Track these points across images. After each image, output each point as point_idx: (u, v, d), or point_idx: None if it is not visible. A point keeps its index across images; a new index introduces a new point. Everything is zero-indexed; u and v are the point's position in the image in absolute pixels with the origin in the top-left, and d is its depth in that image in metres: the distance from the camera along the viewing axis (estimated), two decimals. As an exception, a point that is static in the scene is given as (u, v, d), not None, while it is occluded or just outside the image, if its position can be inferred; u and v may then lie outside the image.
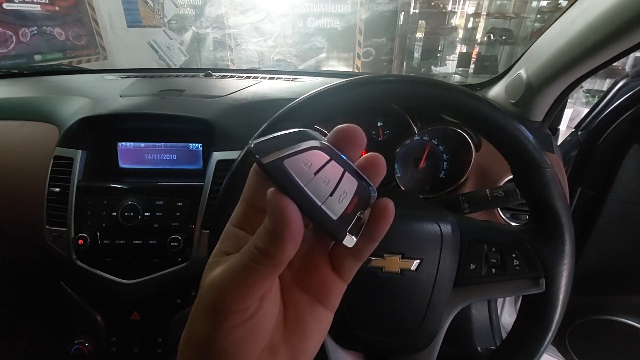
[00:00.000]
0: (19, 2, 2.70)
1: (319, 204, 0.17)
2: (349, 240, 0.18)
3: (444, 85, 0.39)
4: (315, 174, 0.17)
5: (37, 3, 2.82)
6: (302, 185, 0.16)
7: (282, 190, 0.16)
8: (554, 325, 0.37)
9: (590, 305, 0.79)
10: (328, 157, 0.18)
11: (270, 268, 0.16)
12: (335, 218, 0.17)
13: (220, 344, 0.17)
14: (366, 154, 0.20)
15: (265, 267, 0.16)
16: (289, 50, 3.65)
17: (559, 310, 0.37)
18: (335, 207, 0.17)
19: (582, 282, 0.70)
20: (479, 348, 0.83)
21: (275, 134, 0.18)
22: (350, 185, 0.18)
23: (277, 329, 0.19)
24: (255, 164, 0.18)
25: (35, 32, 2.84)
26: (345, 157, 0.18)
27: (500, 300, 0.92)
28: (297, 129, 0.18)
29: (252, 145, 0.17)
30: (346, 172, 0.18)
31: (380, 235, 0.19)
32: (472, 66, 3.67)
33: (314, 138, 0.18)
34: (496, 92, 0.73)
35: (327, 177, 0.17)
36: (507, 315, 0.93)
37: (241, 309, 0.17)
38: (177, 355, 0.19)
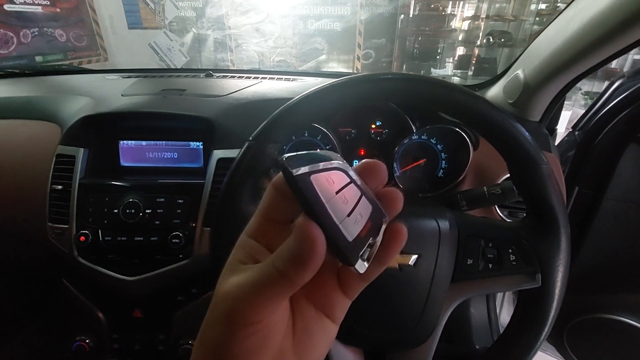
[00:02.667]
0: (20, 4, 2.71)
1: (338, 223, 0.17)
2: (361, 266, 0.18)
3: (442, 83, 0.39)
4: (337, 193, 0.17)
5: (38, 4, 2.83)
6: (324, 202, 0.16)
7: (305, 203, 0.16)
8: (550, 320, 0.38)
9: (587, 303, 0.79)
10: (348, 179, 0.18)
11: (286, 289, 0.17)
12: (350, 240, 0.17)
13: (233, 350, 0.18)
14: (387, 188, 0.20)
15: (281, 287, 0.17)
16: (289, 52, 3.66)
17: (555, 305, 0.38)
18: (351, 229, 0.17)
19: (579, 280, 0.71)
20: (477, 346, 0.83)
21: (303, 152, 0.18)
22: (365, 209, 0.18)
23: (286, 337, 0.20)
24: (274, 178, 0.19)
25: (36, 33, 2.84)
26: (362, 183, 0.19)
27: (498, 299, 0.92)
28: (324, 151, 0.20)
29: (284, 158, 0.17)
30: (363, 196, 0.18)
31: (390, 260, 0.20)
32: (471, 68, 3.68)
33: (338, 159, 0.19)
34: (494, 92, 0.73)
35: (347, 198, 0.17)
36: (506, 314, 0.94)
37: (254, 322, 0.18)
38: (190, 353, 0.20)
